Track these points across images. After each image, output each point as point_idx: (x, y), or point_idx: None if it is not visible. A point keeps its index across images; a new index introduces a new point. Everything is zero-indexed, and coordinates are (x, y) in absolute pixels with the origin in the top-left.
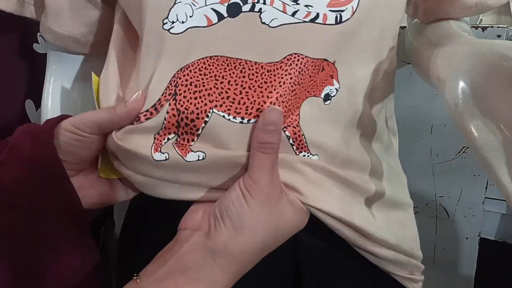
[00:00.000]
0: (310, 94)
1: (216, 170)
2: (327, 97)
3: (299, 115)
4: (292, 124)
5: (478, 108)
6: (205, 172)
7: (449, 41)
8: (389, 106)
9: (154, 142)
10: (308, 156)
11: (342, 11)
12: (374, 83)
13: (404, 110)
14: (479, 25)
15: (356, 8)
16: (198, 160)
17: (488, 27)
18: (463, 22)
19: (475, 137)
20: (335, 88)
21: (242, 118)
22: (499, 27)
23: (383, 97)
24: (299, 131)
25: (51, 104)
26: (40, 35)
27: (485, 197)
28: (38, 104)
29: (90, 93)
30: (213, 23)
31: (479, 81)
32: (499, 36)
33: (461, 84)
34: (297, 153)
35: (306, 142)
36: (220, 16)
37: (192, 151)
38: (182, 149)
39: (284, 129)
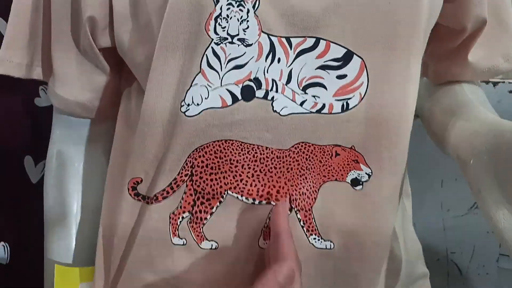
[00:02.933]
0: (328, 178)
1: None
2: (356, 182)
3: (315, 198)
4: (305, 207)
5: (503, 195)
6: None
7: (466, 114)
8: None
9: (170, 222)
10: (319, 240)
11: (349, 98)
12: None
13: (413, 164)
14: (490, 80)
15: (365, 94)
16: (211, 249)
17: (500, 82)
18: (476, 85)
19: (501, 229)
20: (366, 173)
21: (254, 199)
22: (510, 82)
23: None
24: (310, 214)
25: (55, 168)
26: (42, 89)
27: (499, 254)
28: (37, 160)
29: (94, 158)
30: (228, 104)
31: (502, 167)
32: (510, 92)
33: (484, 169)
34: (308, 236)
35: (316, 226)
36: (235, 98)
37: (206, 239)
38: (197, 235)
39: (297, 211)
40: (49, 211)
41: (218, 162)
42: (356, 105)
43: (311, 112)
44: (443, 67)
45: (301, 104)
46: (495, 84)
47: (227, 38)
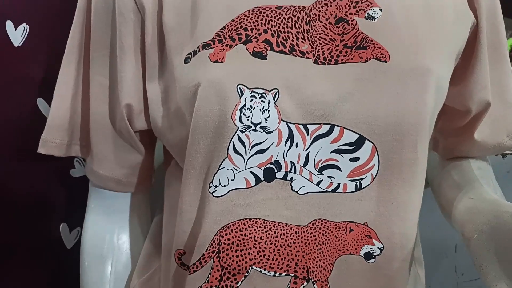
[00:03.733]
0: (343, 252)
1: None
2: (369, 256)
3: (331, 270)
4: (321, 278)
5: (503, 271)
6: None
7: (471, 192)
8: (417, 238)
9: None
10: None
11: (362, 179)
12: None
13: (428, 228)
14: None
15: (376, 175)
16: None
17: (508, 154)
18: (484, 160)
19: None
20: (378, 248)
21: (275, 272)
22: None
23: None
24: (326, 285)
25: (90, 237)
26: (76, 160)
27: None
28: (71, 227)
29: (127, 229)
30: (252, 185)
31: (501, 246)
32: None
33: (485, 246)
34: None
35: None
36: (258, 179)
37: None
38: None
39: (314, 282)
40: (84, 275)
41: (243, 239)
42: (368, 185)
43: (326, 191)
44: (451, 144)
45: (318, 184)
46: (504, 155)
47: (250, 126)
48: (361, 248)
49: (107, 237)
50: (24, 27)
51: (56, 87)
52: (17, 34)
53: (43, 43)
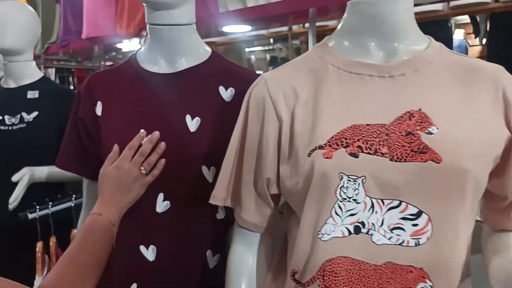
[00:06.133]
0: (405, 286)
1: None
2: None
3: None
4: None
5: None
6: None
7: (503, 254)
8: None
9: None
10: None
11: (420, 238)
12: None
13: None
14: None
15: (430, 237)
16: None
17: None
18: None
19: None
20: (429, 285)
21: None
22: None
23: None
24: None
25: (236, 263)
26: (220, 208)
27: None
28: (214, 253)
29: (260, 257)
30: (345, 235)
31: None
32: None
33: None
34: None
35: None
36: (349, 232)
37: None
38: None
39: None
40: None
41: (339, 269)
42: (424, 243)
43: (395, 244)
44: (495, 219)
45: (389, 238)
46: None
47: (346, 199)
48: (417, 284)
49: (246, 261)
50: (197, 120)
51: (223, 162)
52: (192, 124)
53: (210, 131)
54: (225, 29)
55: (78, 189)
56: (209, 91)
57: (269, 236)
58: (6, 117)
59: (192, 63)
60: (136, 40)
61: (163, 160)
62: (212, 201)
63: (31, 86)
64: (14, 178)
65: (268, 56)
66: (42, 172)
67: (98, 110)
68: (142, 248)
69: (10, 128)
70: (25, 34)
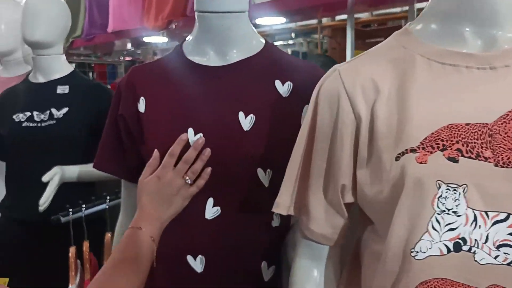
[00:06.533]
0: None
1: None
2: None
3: None
4: None
5: None
6: None
7: None
8: None
9: None
10: None
11: None
12: None
13: None
14: None
15: None
16: None
17: None
18: None
19: None
20: None
21: None
22: None
23: None
24: None
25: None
26: (275, 214)
27: None
28: (269, 264)
29: (327, 270)
30: (444, 253)
31: None
32: None
33: None
34: None
35: None
36: (448, 250)
37: None
38: None
39: None
40: None
41: None
42: None
43: (502, 264)
44: None
45: (495, 257)
46: None
47: (445, 211)
48: None
49: (312, 278)
50: (251, 117)
51: (288, 165)
52: (246, 122)
53: (266, 129)
54: (258, 21)
55: (110, 189)
56: (264, 86)
57: (339, 249)
58: (35, 113)
59: (244, 55)
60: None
61: (209, 169)
62: (275, 209)
63: (61, 81)
64: (45, 178)
65: (289, 51)
66: (73, 171)
67: (141, 106)
68: (189, 258)
69: (39, 124)
70: (56, 26)
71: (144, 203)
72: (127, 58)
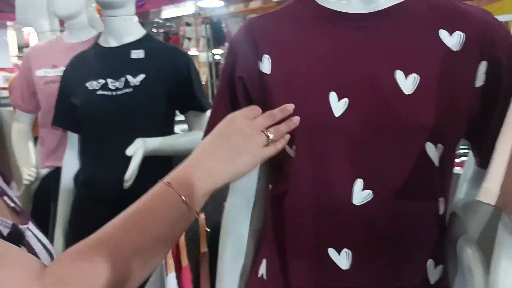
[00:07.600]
0: None
1: None
2: None
3: None
4: None
5: None
6: None
7: None
8: None
9: None
10: None
11: None
12: None
13: None
14: None
15: None
16: None
17: None
18: None
19: None
20: None
21: None
22: None
23: None
24: None
25: None
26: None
27: None
28: (437, 263)
29: None
30: None
31: None
32: None
33: None
34: None
35: None
36: None
37: None
38: None
39: None
40: None
41: None
42: None
43: None
44: None
45: None
46: None
47: None
48: None
49: None
50: (414, 77)
51: (498, 142)
52: (407, 83)
53: (434, 93)
54: None
55: None
56: (425, 37)
57: None
58: (109, 80)
59: (394, 0)
60: None
61: (287, 136)
62: (482, 197)
63: (135, 45)
64: (129, 151)
65: None
66: (154, 144)
67: (265, 67)
68: (332, 252)
69: (114, 93)
70: None
71: (204, 144)
72: (161, 30)
